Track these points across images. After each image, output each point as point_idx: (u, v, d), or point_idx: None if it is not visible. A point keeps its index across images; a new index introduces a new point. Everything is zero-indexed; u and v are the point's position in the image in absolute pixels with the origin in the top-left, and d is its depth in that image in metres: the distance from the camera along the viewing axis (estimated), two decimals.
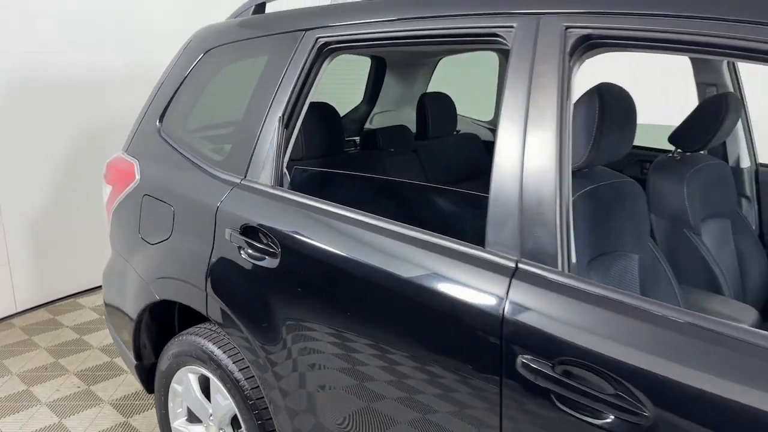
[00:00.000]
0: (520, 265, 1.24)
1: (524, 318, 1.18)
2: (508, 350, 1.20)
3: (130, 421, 2.75)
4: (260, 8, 2.09)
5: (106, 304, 2.43)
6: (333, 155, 2.26)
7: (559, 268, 1.20)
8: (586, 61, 1.30)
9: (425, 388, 1.35)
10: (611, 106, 1.45)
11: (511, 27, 1.34)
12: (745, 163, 2.30)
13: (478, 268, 1.28)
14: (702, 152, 2.14)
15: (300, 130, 2.17)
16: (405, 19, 1.55)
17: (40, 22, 3.61)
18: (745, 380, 0.95)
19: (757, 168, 2.33)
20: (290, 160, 2.12)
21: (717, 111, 1.95)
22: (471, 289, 1.27)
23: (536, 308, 1.18)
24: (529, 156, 1.26)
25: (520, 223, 1.25)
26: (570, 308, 1.14)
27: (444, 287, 1.31)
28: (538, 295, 1.19)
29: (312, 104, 2.22)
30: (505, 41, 1.36)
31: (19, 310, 3.82)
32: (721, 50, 1.10)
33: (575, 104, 1.49)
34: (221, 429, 2.03)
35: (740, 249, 2.14)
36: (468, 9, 1.43)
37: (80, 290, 4.12)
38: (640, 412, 1.04)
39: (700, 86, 2.28)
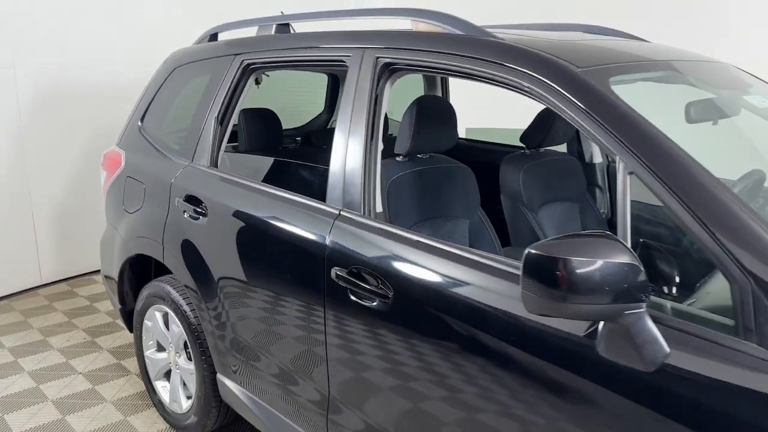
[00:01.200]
0: (342, 212, 1.88)
1: (336, 243, 1.83)
2: (327, 265, 1.84)
3: (122, 362, 3.44)
4: (214, 37, 2.78)
5: (104, 276, 3.12)
6: (272, 150, 2.92)
7: (362, 213, 1.84)
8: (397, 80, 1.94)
9: (291, 303, 2.00)
10: (426, 112, 2.08)
11: (349, 56, 1.99)
12: (597, 159, 2.89)
13: (319, 215, 1.93)
14: (551, 149, 2.74)
15: (244, 130, 2.85)
16: (294, 48, 2.22)
17: (69, 42, 4.38)
18: (441, 276, 1.57)
19: (609, 163, 2.92)
20: (236, 152, 2.80)
21: (546, 119, 2.56)
22: (315, 228, 1.92)
23: (343, 237, 1.82)
24: (350, 142, 1.91)
25: (343, 186, 1.90)
26: (360, 236, 1.78)
27: (301, 230, 1.96)
28: (346, 229, 1.83)
29: (255, 110, 2.89)
30: (346, 65, 2.01)
31: (44, 282, 4.57)
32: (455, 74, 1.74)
33: (407, 109, 2.12)
34: (177, 352, 2.69)
35: (586, 227, 2.73)
36: (328, 44, 2.09)
37: (96, 269, 4.86)
38: (387, 295, 1.67)
39: None
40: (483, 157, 3.05)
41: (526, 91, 1.55)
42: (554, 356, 1.36)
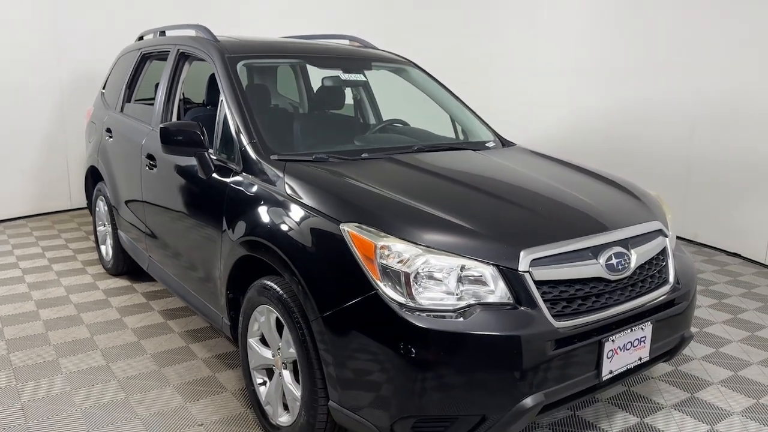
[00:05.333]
0: (153, 129, 3.67)
1: (146, 142, 3.62)
2: (143, 153, 3.63)
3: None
4: (141, 38, 4.66)
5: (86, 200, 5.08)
6: None
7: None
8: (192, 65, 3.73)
9: (132, 177, 3.80)
10: (212, 83, 3.82)
11: (170, 49, 3.78)
12: (372, 121, 4.50)
13: (146, 129, 3.73)
14: None
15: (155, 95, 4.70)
16: (155, 45, 4.04)
17: (98, 44, 6.42)
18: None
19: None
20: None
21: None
22: (142, 136, 3.72)
23: (149, 139, 3.61)
24: (161, 94, 3.69)
25: (157, 115, 3.68)
26: (154, 138, 3.57)
27: (137, 137, 3.76)
28: (152, 135, 3.62)
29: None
30: (169, 54, 3.80)
31: (72, 207, 6.67)
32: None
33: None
34: (107, 224, 4.57)
35: None
36: (165, 42, 3.90)
37: None
38: (156, 165, 3.45)
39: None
40: None
41: (210, 64, 3.27)
42: (194, 179, 3.09)
